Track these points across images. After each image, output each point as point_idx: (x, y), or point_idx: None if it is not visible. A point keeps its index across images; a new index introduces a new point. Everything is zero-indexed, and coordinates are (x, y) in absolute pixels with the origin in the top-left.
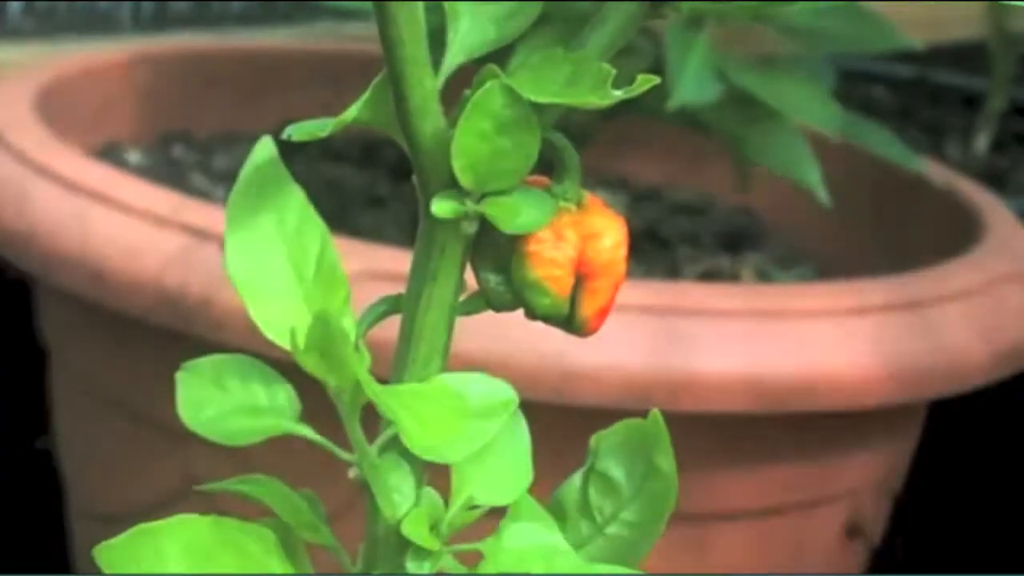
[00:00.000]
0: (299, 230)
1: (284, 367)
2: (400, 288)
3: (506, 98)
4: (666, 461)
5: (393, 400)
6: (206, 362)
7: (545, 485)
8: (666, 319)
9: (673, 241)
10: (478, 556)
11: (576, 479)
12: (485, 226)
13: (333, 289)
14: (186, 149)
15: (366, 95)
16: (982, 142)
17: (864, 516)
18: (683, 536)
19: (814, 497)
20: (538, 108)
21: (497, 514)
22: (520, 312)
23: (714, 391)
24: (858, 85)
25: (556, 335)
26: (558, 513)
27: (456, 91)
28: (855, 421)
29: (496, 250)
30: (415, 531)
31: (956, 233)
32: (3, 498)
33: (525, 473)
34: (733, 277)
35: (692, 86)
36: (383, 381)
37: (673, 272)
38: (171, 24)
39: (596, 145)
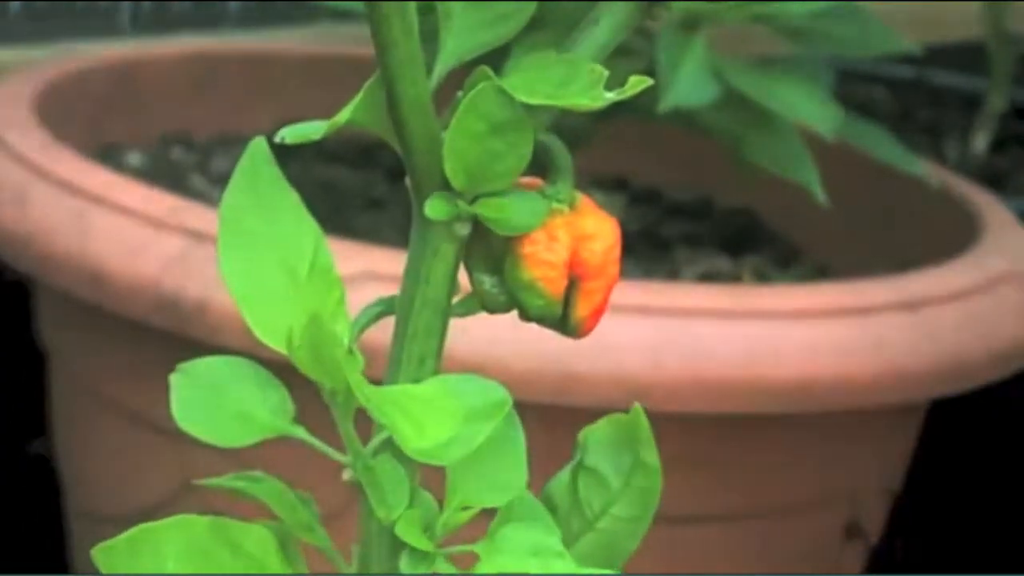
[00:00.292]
0: (293, 231)
1: (280, 369)
2: (396, 289)
3: (499, 100)
4: (651, 455)
5: (385, 403)
6: (201, 364)
7: (542, 486)
8: (665, 320)
9: (672, 242)
10: (474, 558)
11: (565, 474)
12: (479, 228)
13: (327, 291)
14: (185, 151)
15: (359, 97)
16: (981, 143)
17: (863, 516)
18: (683, 536)
19: (814, 497)
20: (531, 110)
21: (493, 515)
22: (515, 313)
23: (713, 392)
24: (857, 85)
25: (553, 337)
26: (548, 508)
27: (449, 93)
28: (854, 421)
29: (490, 252)
30: (409, 533)
31: (955, 233)
32: (2, 499)
33: (520, 475)
34: (732, 278)
35: (686, 88)
36: (377, 382)
37: (672, 273)
38: (170, 25)
39: (594, 146)
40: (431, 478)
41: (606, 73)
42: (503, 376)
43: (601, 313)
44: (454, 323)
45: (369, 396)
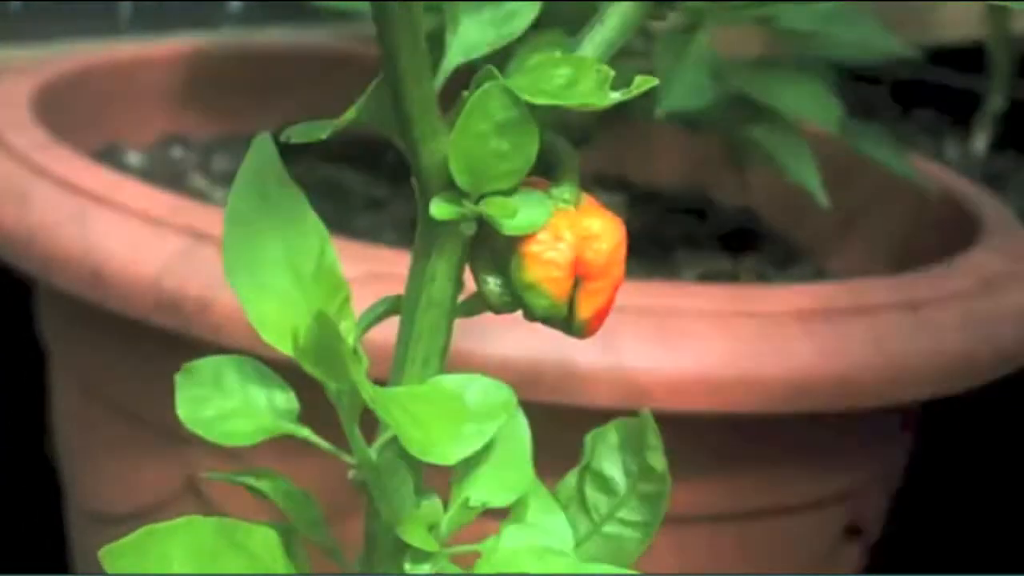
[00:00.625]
0: (298, 231)
1: (283, 368)
2: (400, 290)
3: (504, 100)
4: (658, 461)
5: (390, 403)
6: (205, 363)
7: (545, 485)
8: (665, 320)
9: (672, 242)
10: (479, 557)
11: (571, 477)
12: (484, 228)
13: (332, 290)
14: (186, 150)
15: (364, 97)
16: (981, 142)
17: (863, 516)
18: (683, 536)
19: (813, 497)
20: (536, 109)
21: (502, 514)
22: (519, 313)
23: (713, 392)
24: (857, 85)
25: (554, 335)
26: None
27: (455, 92)
28: (854, 421)
29: (495, 252)
30: (413, 533)
31: (955, 233)
32: (2, 499)
33: (526, 474)
34: (733, 278)
35: (683, 91)
36: (383, 381)
37: (672, 273)
38: (171, 24)
39: (594, 145)
40: (438, 477)
41: (612, 73)
42: (503, 375)
43: (606, 313)
44: (457, 322)
45: (375, 397)
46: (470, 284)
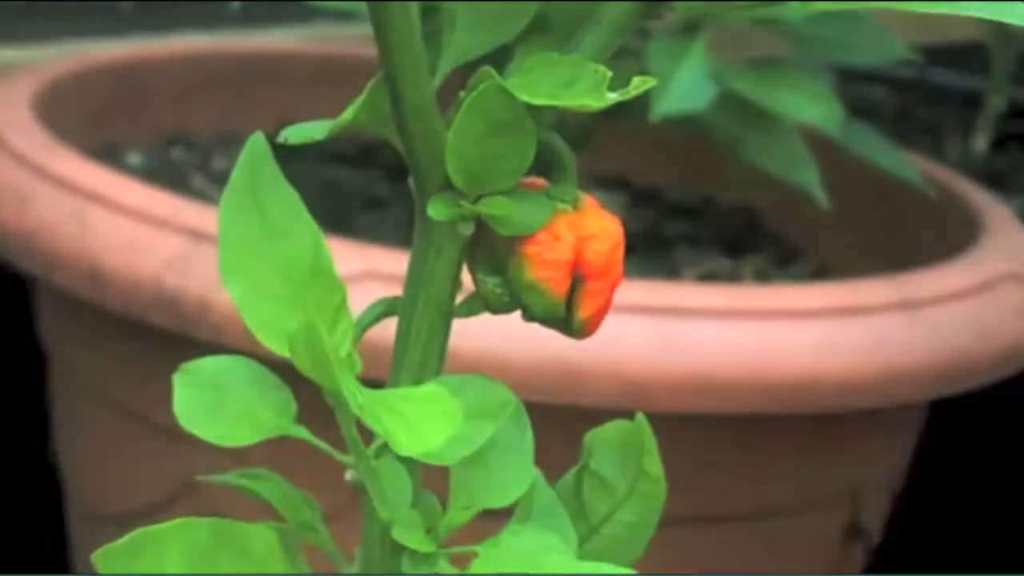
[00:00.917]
0: (292, 232)
1: (282, 368)
2: (399, 290)
3: (501, 100)
4: (654, 465)
5: (380, 408)
6: (203, 364)
7: None
8: (666, 320)
9: (673, 242)
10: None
11: (569, 477)
12: (482, 228)
13: (328, 292)
14: (185, 150)
15: (362, 97)
16: (981, 142)
17: (864, 516)
18: (683, 537)
19: (814, 497)
20: (534, 110)
21: (506, 515)
22: (518, 313)
23: (714, 392)
24: (858, 85)
25: (554, 336)
26: None
27: (453, 92)
28: (854, 421)
29: (493, 252)
30: (410, 534)
31: (955, 233)
32: (3, 499)
33: (526, 475)
34: (733, 278)
35: (680, 93)
36: (381, 381)
37: (672, 273)
38: (171, 25)
39: (594, 145)
40: (439, 477)
41: (609, 74)
42: (503, 375)
43: (605, 313)
44: (455, 323)
45: (362, 404)
46: (468, 284)
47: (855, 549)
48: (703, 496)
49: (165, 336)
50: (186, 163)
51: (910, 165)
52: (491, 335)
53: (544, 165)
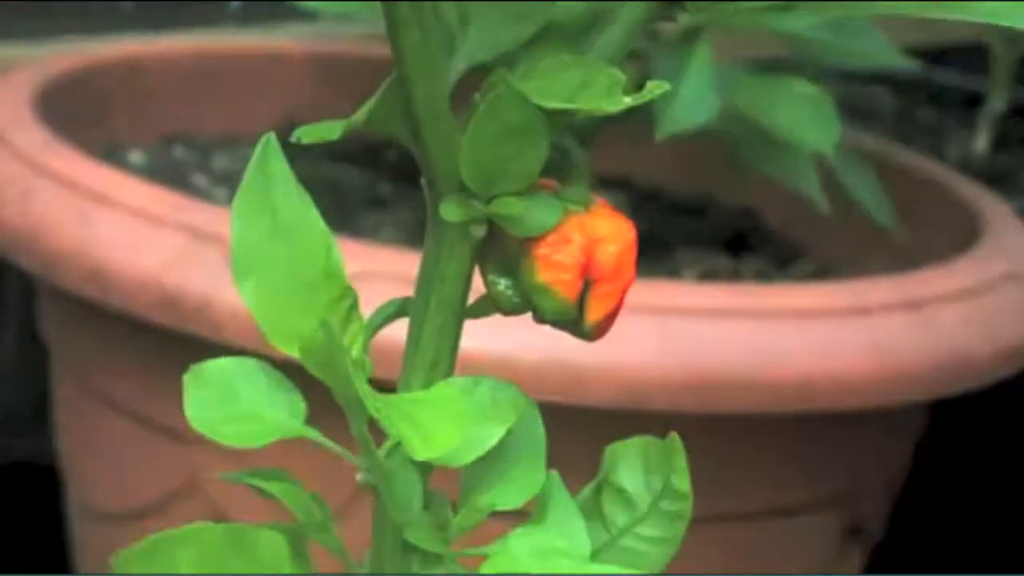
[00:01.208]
0: (304, 234)
1: (287, 367)
2: (401, 289)
3: (516, 103)
4: (683, 483)
5: (392, 410)
6: (213, 365)
7: None
8: (666, 319)
9: (673, 242)
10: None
11: (588, 488)
12: (494, 229)
13: (339, 294)
14: (187, 149)
15: (375, 98)
16: (983, 142)
17: (865, 516)
18: (684, 537)
19: (814, 497)
20: (547, 112)
21: (520, 516)
22: (531, 315)
23: (713, 391)
24: (859, 85)
25: (555, 335)
26: None
27: (467, 93)
28: (855, 421)
29: (504, 253)
30: (420, 535)
31: (956, 233)
32: (2, 499)
33: (538, 477)
34: (733, 277)
35: (684, 109)
36: (392, 381)
37: (673, 272)
38: (172, 23)
39: (595, 145)
40: (452, 477)
41: (624, 77)
42: (505, 375)
43: (616, 316)
44: (465, 323)
45: (378, 407)
46: (479, 285)
47: (855, 549)
48: (703, 496)
49: (166, 334)
50: (187, 162)
51: (888, 208)
52: (491, 335)
53: (556, 167)
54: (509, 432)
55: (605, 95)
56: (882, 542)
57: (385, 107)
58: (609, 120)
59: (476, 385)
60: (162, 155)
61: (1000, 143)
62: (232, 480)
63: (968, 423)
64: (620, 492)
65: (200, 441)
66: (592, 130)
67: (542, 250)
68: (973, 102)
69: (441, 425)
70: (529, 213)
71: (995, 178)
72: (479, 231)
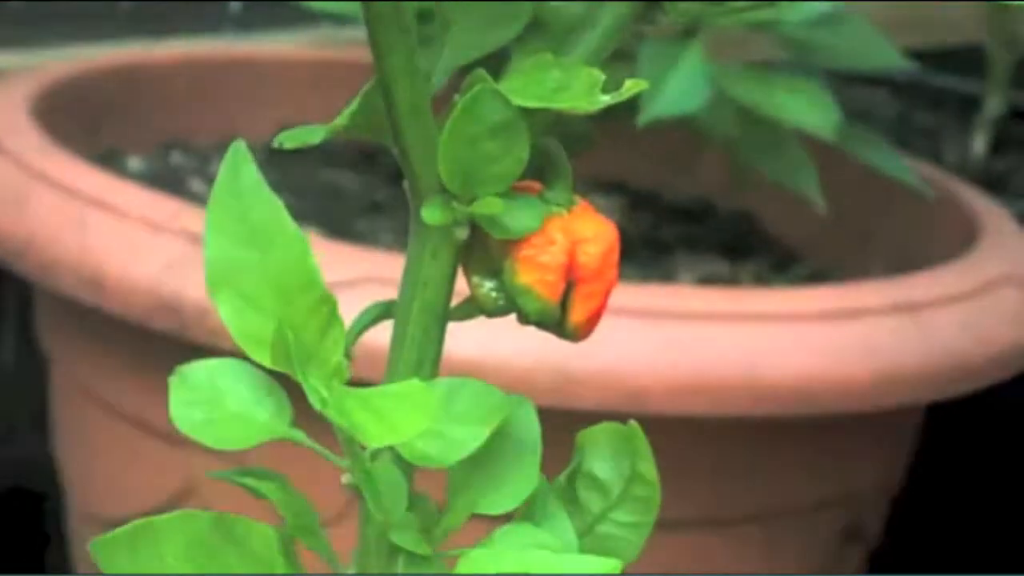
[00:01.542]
0: (278, 242)
1: (279, 373)
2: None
3: (494, 102)
4: (648, 468)
5: (354, 401)
6: (199, 367)
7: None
8: (663, 323)
9: (671, 245)
10: None
11: (563, 477)
12: (477, 231)
13: (316, 301)
14: (185, 155)
15: (356, 102)
16: (980, 145)
17: (862, 519)
18: (680, 541)
19: (811, 500)
20: (529, 113)
21: (506, 518)
22: (513, 316)
23: (711, 395)
24: (857, 88)
25: (551, 339)
26: None
27: (448, 97)
28: (852, 424)
29: (487, 255)
30: (405, 536)
31: (954, 236)
32: (2, 499)
33: (529, 482)
34: (731, 281)
35: (672, 97)
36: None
37: (671, 276)
38: (170, 27)
39: (593, 149)
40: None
41: (603, 77)
42: (501, 378)
43: (599, 317)
44: (451, 325)
45: (327, 400)
46: (463, 288)
47: (853, 552)
48: (700, 500)
49: (164, 340)
50: (185, 168)
51: (908, 168)
52: (488, 338)
53: (538, 168)
54: (502, 435)
55: (584, 94)
56: (879, 545)
57: (367, 110)
58: (607, 122)
59: (460, 387)
60: (160, 161)
61: (998, 146)
62: (223, 478)
63: (966, 426)
64: (593, 479)
65: (199, 446)
66: (589, 134)
67: (525, 251)
68: (971, 105)
69: (403, 413)
70: (511, 215)
71: (993, 181)
72: (462, 233)
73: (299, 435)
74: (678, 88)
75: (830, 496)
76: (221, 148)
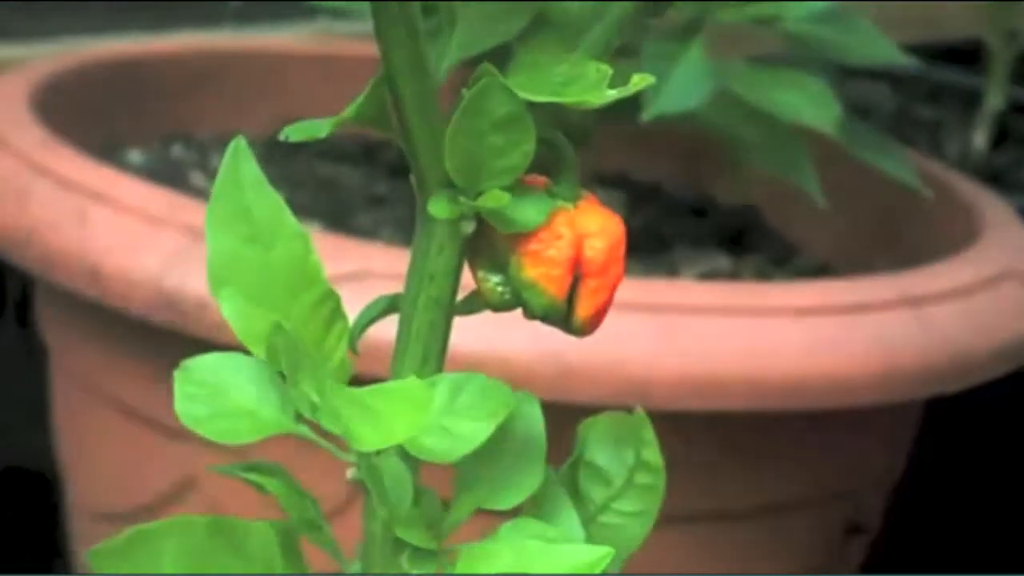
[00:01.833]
0: (280, 238)
1: None
2: (400, 288)
3: (502, 97)
4: (653, 456)
5: (346, 403)
6: (203, 361)
7: None
8: (665, 317)
9: (673, 240)
10: None
11: (565, 468)
12: (483, 225)
13: (319, 297)
14: (186, 148)
15: (363, 95)
16: (981, 140)
17: (863, 514)
18: (682, 536)
19: (813, 495)
20: (535, 107)
21: (513, 513)
22: (519, 310)
23: (713, 390)
24: (857, 82)
25: (553, 333)
26: None
27: (454, 90)
28: (854, 419)
29: (494, 250)
30: (410, 531)
31: (955, 230)
32: (2, 499)
33: (535, 477)
34: (733, 276)
35: (675, 93)
36: (383, 380)
37: (673, 271)
38: (170, 21)
39: (595, 143)
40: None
41: (610, 71)
42: (502, 372)
43: (605, 311)
44: (457, 319)
45: (318, 403)
46: (469, 282)
47: (853, 546)
48: (702, 494)
49: (165, 334)
50: (186, 161)
51: (908, 166)
52: (489, 332)
53: (545, 163)
54: (507, 431)
55: (590, 89)
56: (880, 540)
57: (373, 103)
58: (608, 116)
59: (465, 382)
60: (161, 154)
61: (999, 140)
62: (226, 472)
63: (968, 420)
64: (595, 469)
65: (200, 440)
66: (591, 128)
67: (531, 246)
68: (972, 99)
69: (396, 413)
70: (516, 209)
71: (994, 175)
72: (468, 227)
73: (303, 429)
74: (681, 84)
75: (831, 490)
76: (222, 141)
